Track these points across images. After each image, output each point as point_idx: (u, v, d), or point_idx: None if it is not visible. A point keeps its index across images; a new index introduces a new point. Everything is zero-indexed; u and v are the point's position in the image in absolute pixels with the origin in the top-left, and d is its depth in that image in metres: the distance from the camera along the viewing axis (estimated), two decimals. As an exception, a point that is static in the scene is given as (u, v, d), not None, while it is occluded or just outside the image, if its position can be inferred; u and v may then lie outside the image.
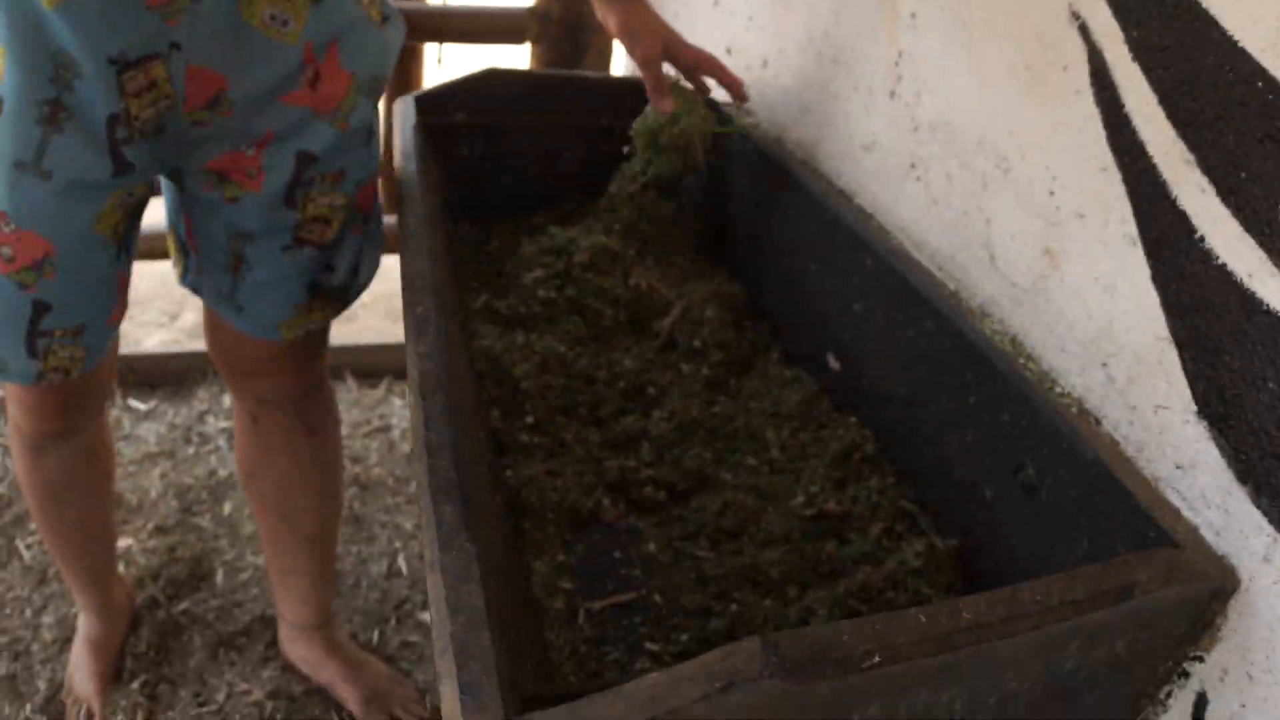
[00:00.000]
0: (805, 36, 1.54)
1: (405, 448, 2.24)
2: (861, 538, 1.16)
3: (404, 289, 1.10)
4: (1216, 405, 0.84)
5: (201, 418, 2.24)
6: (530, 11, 2.24)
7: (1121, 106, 0.91)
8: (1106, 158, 0.93)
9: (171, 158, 1.17)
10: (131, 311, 2.73)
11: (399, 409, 2.36)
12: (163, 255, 2.13)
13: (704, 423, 1.39)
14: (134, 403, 2.26)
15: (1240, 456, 0.81)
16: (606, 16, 1.47)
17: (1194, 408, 0.86)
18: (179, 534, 1.92)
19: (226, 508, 2.00)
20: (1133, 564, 0.72)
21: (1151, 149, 0.88)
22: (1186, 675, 0.87)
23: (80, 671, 1.67)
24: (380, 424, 2.30)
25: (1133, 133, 0.89)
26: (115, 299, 1.25)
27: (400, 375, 2.50)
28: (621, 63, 2.38)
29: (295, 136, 1.18)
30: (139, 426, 2.19)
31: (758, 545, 1.20)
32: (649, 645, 1.10)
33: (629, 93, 1.70)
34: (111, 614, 1.70)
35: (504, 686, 0.62)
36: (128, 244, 1.24)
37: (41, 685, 1.67)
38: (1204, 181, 0.82)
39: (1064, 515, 0.96)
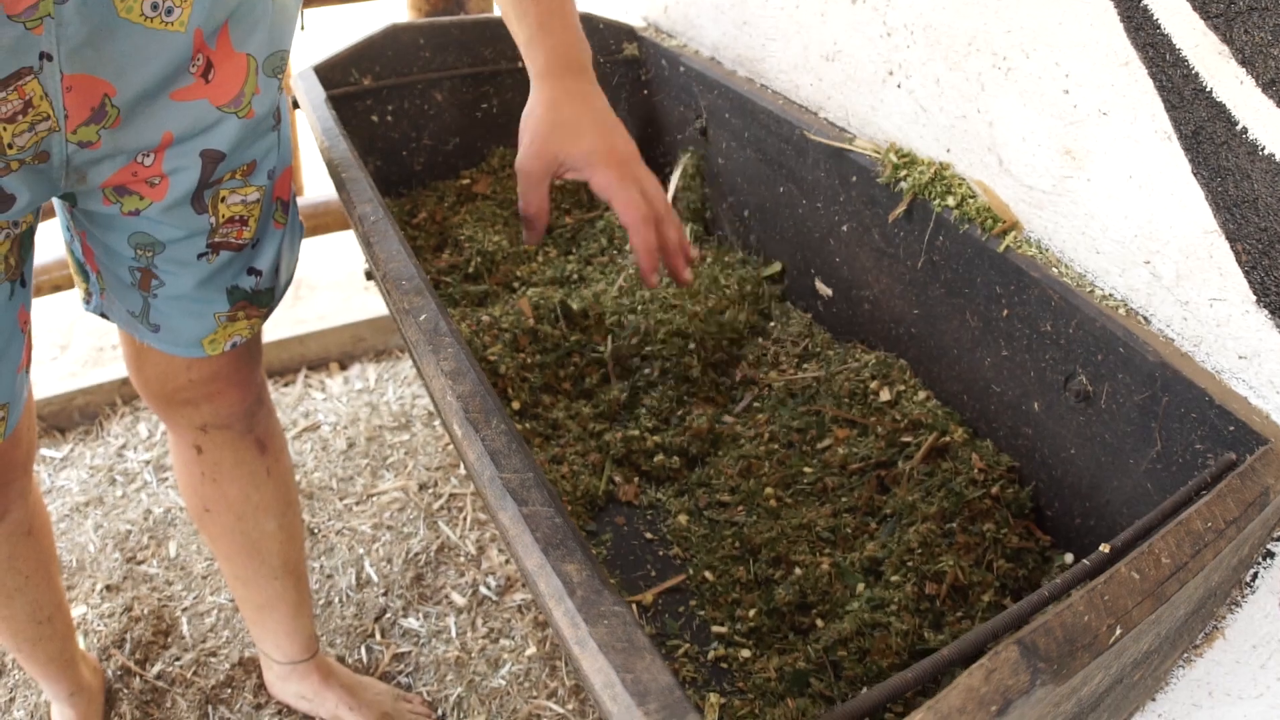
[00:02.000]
0: (732, -58, 1.56)
1: (340, 445, 2.24)
2: (913, 469, 1.22)
3: (389, 291, 1.10)
4: (1277, 293, 0.91)
5: (120, 453, 2.21)
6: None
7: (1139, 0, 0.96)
8: (1128, 52, 0.99)
9: (59, 183, 1.12)
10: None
11: (321, 403, 2.36)
12: (46, 284, 2.09)
13: (698, 375, 1.44)
14: (48, 451, 2.22)
15: (1312, 340, 0.89)
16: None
17: (1252, 298, 0.93)
18: (130, 589, 1.91)
19: (172, 548, 1.99)
20: (1259, 469, 0.80)
21: (1178, 41, 0.93)
22: (1271, 555, 0.96)
23: None
24: (308, 423, 2.30)
25: (1155, 27, 0.95)
26: (20, 340, 1.19)
27: (315, 366, 2.49)
28: None
29: (197, 135, 1.14)
30: (58, 476, 2.16)
31: (797, 500, 1.26)
32: (715, 629, 1.15)
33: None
34: (85, 698, 1.67)
35: None
36: (24, 276, 1.18)
37: (28, 789, 1.66)
38: (1241, 74, 0.88)
39: (1127, 420, 1.04)
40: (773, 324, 1.50)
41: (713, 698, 1.06)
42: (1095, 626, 0.66)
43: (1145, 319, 1.05)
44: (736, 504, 1.28)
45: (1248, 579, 0.98)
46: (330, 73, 1.68)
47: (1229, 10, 0.88)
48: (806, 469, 1.29)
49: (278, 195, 1.27)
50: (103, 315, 1.34)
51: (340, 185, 1.32)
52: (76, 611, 1.85)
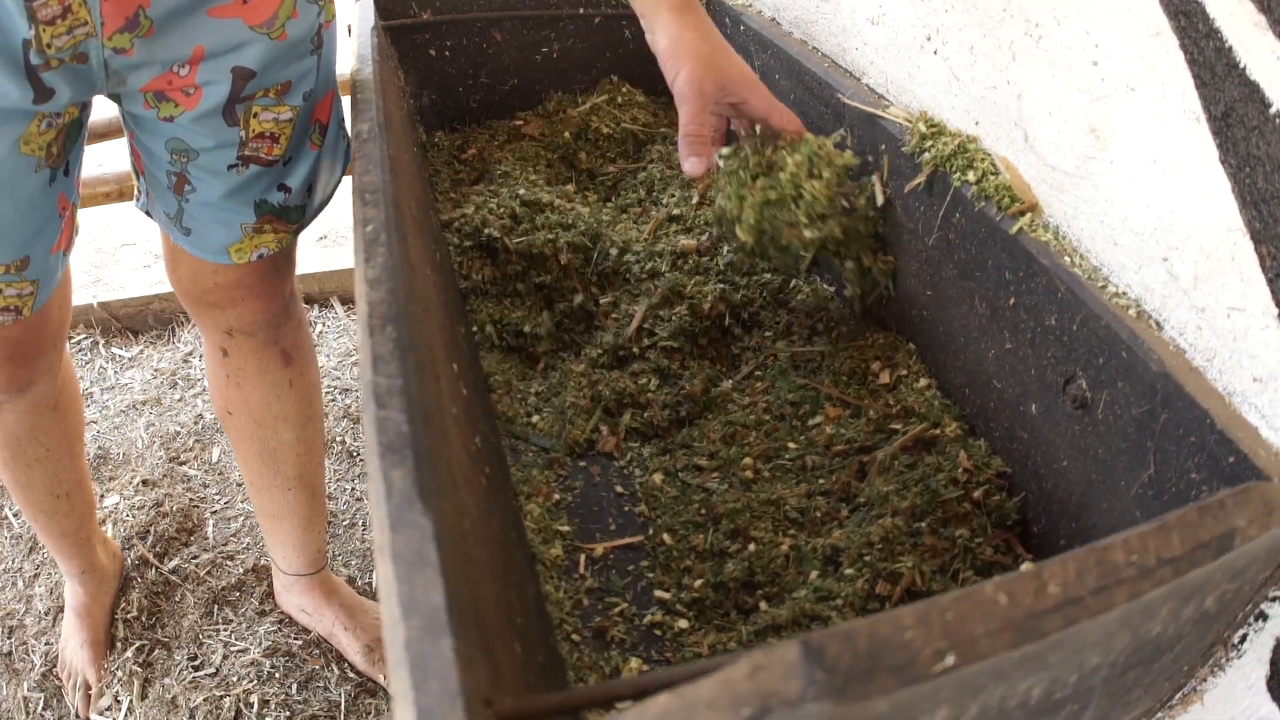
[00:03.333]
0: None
1: None
2: (891, 459, 1.06)
3: (354, 204, 0.99)
4: (1303, 306, 0.73)
5: (186, 360, 2.15)
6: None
7: (1176, -42, 0.78)
8: (1159, 21, 0.80)
9: (100, 85, 1.11)
10: (116, 255, 2.63)
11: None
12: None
13: (704, 333, 1.29)
14: (117, 350, 2.17)
15: (1334, 366, 0.71)
16: (654, 31, 1.19)
17: (1275, 310, 0.75)
18: (166, 486, 1.84)
19: (215, 453, 1.92)
20: (1229, 506, 0.62)
21: (1212, 10, 0.75)
22: (1265, 618, 0.78)
23: (71, 643, 1.61)
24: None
25: (1191, -11, 0.76)
26: (57, 225, 1.19)
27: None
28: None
29: (229, 52, 1.11)
30: (123, 375, 2.10)
31: (775, 474, 1.11)
32: (659, 593, 1.02)
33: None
34: (96, 578, 1.63)
35: (473, 704, 0.48)
36: (68, 166, 1.18)
37: (37, 660, 1.61)
38: (1279, 47, 0.70)
39: (1123, 435, 0.86)
40: (796, 294, 1.34)
41: (634, 663, 0.93)
42: (917, 648, 0.47)
43: (1157, 324, 0.87)
44: (713, 470, 1.13)
45: (1235, 639, 0.80)
46: (390, 3, 1.56)
47: None
48: (791, 444, 1.13)
49: (316, 118, 1.23)
50: (147, 214, 1.32)
51: (354, 105, 1.20)
52: (109, 500, 1.79)
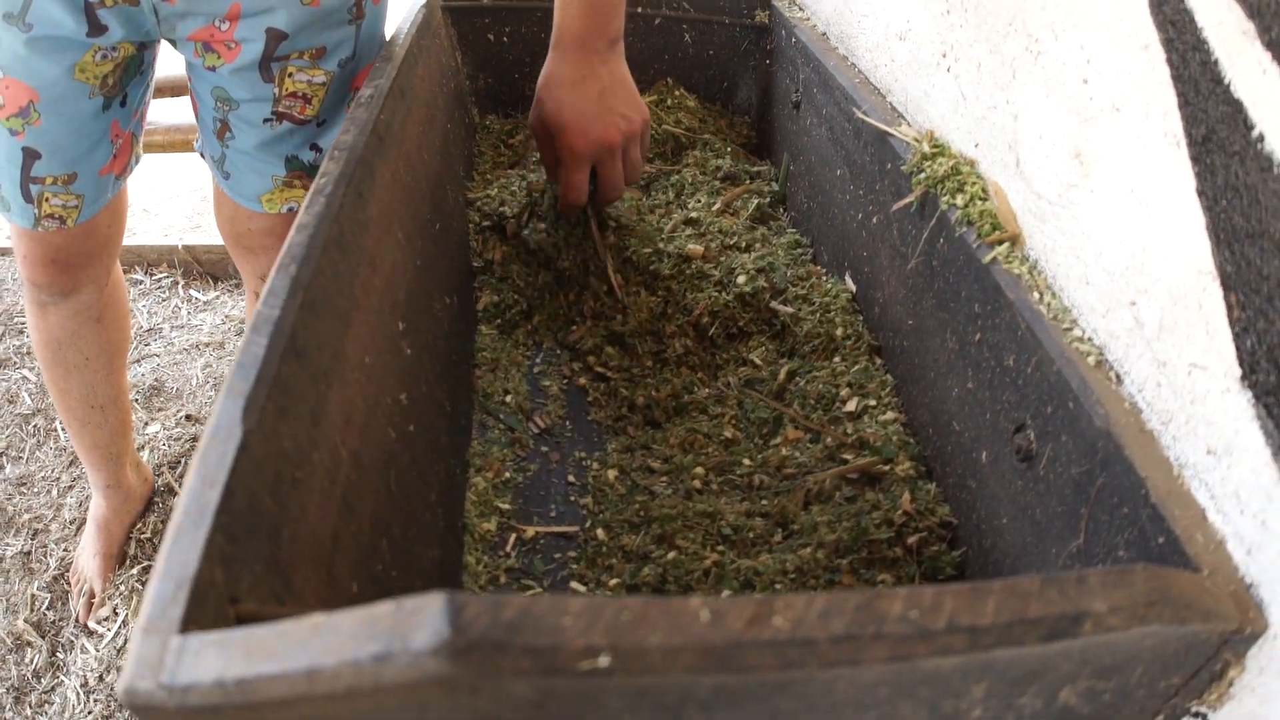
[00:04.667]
0: (855, -91, 1.24)
1: None
2: (832, 489, 0.91)
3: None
4: (1267, 371, 0.56)
5: (255, 311, 2.10)
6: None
7: (1173, -44, 0.62)
8: (1149, 32, 0.64)
9: (152, 29, 1.12)
10: (212, 206, 2.62)
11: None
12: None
13: (693, 345, 1.15)
14: (194, 293, 2.13)
15: (1292, 445, 0.54)
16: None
17: (1237, 371, 0.58)
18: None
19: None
20: (1090, 585, 0.46)
21: (1201, 17, 0.59)
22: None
23: (86, 552, 1.58)
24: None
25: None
26: (108, 149, 1.20)
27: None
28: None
29: (262, 13, 1.10)
30: (195, 316, 2.06)
31: (721, 488, 0.97)
32: (575, 584, 0.90)
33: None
34: (121, 495, 1.59)
35: (208, 597, 0.44)
36: (125, 98, 1.19)
37: (52, 563, 1.57)
38: (1265, 59, 0.53)
39: (1060, 496, 0.70)
40: (788, 309, 1.19)
41: None
42: (568, 637, 0.37)
43: (1117, 376, 0.70)
44: (663, 474, 1.00)
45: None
46: (451, -16, 1.47)
47: None
48: (746, 460, 0.99)
49: (355, 85, 1.21)
50: (201, 155, 1.32)
51: (371, 72, 1.11)
52: (151, 428, 1.74)
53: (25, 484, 1.68)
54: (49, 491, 1.66)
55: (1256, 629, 0.52)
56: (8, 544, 1.59)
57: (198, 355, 1.93)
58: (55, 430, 1.77)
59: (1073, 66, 0.74)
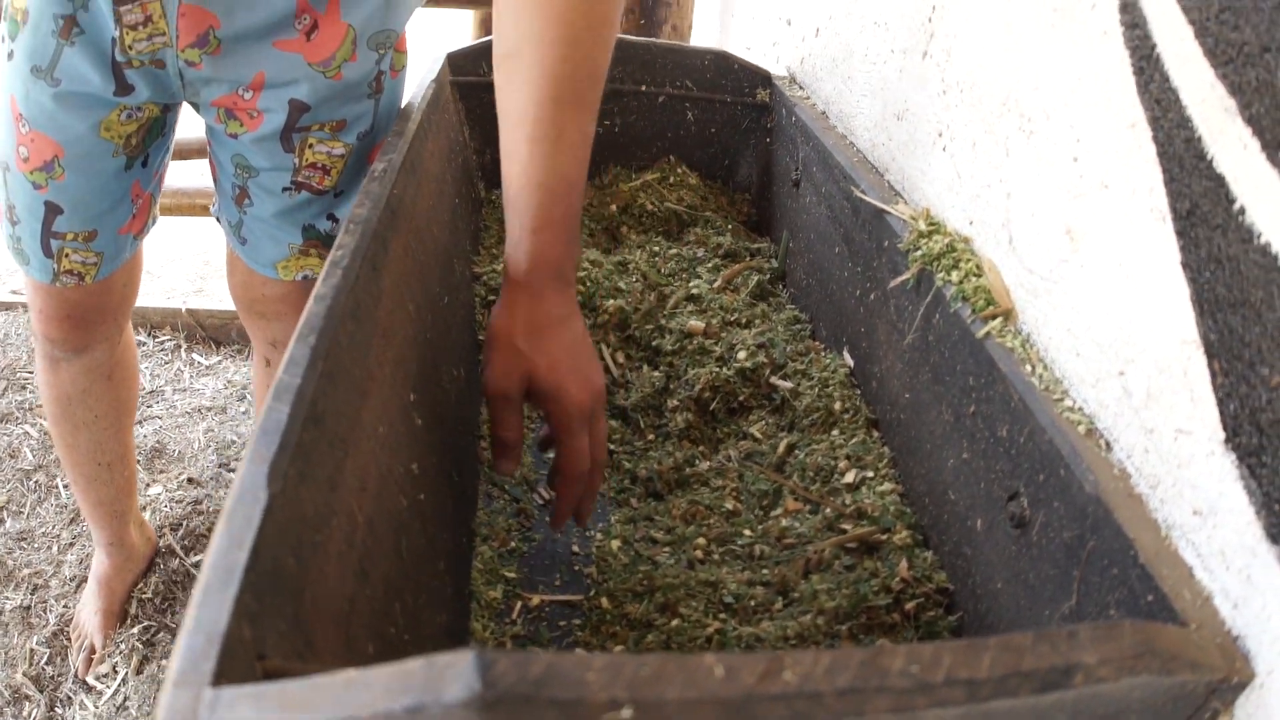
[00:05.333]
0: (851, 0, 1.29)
1: None
2: (832, 558, 0.92)
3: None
4: (1250, 434, 0.58)
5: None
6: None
7: (1153, 45, 0.65)
8: (1135, 111, 0.68)
9: (177, 91, 1.14)
10: (221, 269, 2.65)
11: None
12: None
13: (694, 412, 1.17)
14: (197, 357, 2.15)
15: (1275, 506, 0.56)
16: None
17: (1221, 435, 0.60)
18: (210, 488, 1.80)
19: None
20: (1080, 639, 0.48)
21: (1185, 95, 0.62)
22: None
23: (87, 608, 1.59)
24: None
25: (1164, 77, 0.64)
26: (128, 208, 1.22)
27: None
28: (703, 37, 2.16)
29: (286, 84, 1.12)
30: (197, 380, 2.08)
31: (723, 558, 0.98)
32: (580, 652, 0.90)
33: (703, 65, 1.52)
34: (124, 554, 1.60)
35: (237, 652, 0.46)
36: (146, 158, 1.21)
37: (52, 619, 1.58)
38: (1246, 134, 0.57)
39: (1053, 560, 0.71)
40: (787, 384, 1.21)
41: None
42: (592, 691, 0.40)
43: (1107, 444, 0.72)
44: (666, 544, 1.02)
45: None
46: (463, 61, 1.51)
47: (1240, 54, 0.56)
48: (747, 531, 1.00)
49: (370, 158, 1.22)
50: (217, 219, 1.33)
51: (383, 146, 1.14)
52: (154, 490, 1.76)
53: (26, 539, 1.69)
54: (50, 548, 1.67)
55: (1244, 678, 0.53)
56: (7, 598, 1.60)
57: (199, 419, 1.95)
58: (57, 486, 1.79)
59: (1063, 145, 0.77)
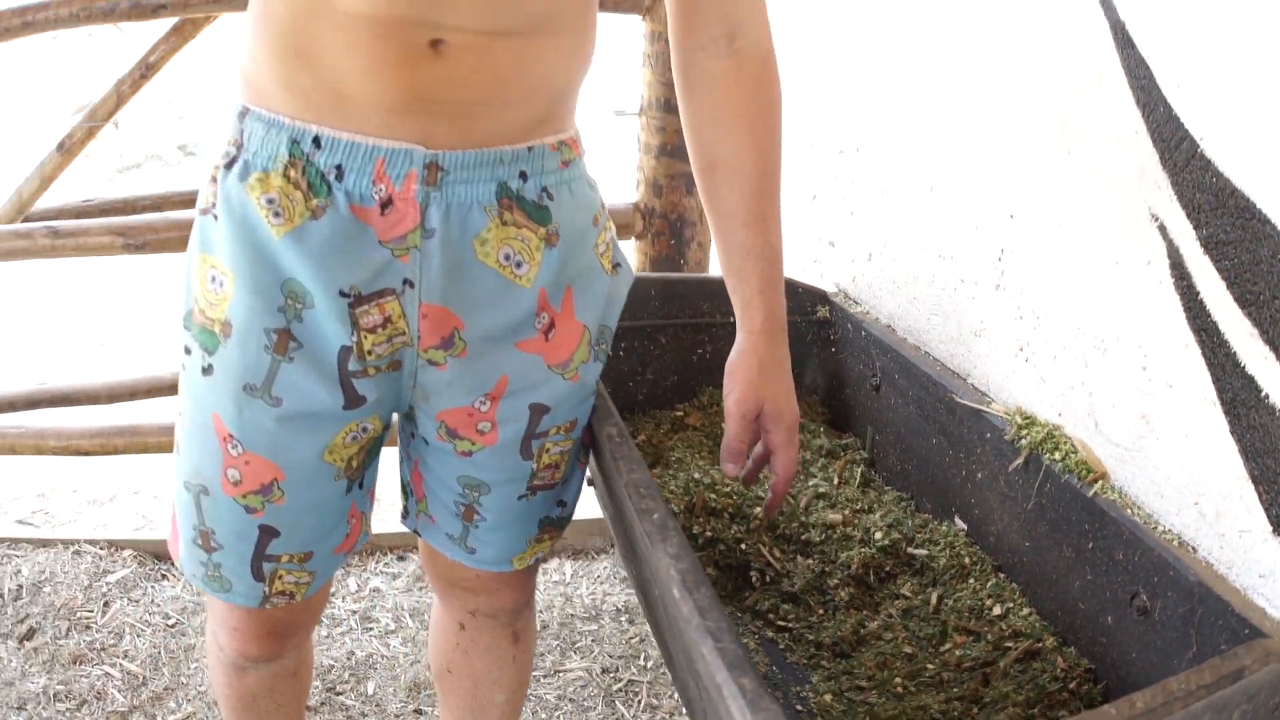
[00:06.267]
0: (908, 231, 1.94)
1: (535, 625, 2.51)
2: (1009, 667, 1.49)
3: (629, 497, 1.29)
4: (1289, 528, 1.19)
5: (329, 600, 2.56)
6: (635, 207, 2.68)
7: (1197, 293, 1.28)
8: (1188, 336, 1.30)
9: (406, 395, 1.25)
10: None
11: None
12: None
13: (855, 585, 1.73)
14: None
15: (1310, 566, 1.17)
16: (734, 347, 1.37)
17: (1269, 528, 1.21)
18: (328, 713, 2.23)
19: (370, 686, 2.29)
20: (1240, 654, 1.06)
21: (1223, 327, 1.24)
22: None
23: None
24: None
25: (1207, 315, 1.27)
26: (344, 529, 1.33)
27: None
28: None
29: (528, 389, 1.26)
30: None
31: (920, 688, 1.53)
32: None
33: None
34: None
35: None
36: (363, 479, 1.31)
37: None
38: (1266, 350, 1.19)
39: (1173, 629, 1.30)
40: (922, 551, 1.79)
41: None
42: None
43: (1193, 548, 1.32)
44: (872, 688, 1.52)
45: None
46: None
47: (1259, 300, 1.18)
48: (930, 665, 1.54)
49: (584, 442, 1.41)
50: (417, 533, 1.48)
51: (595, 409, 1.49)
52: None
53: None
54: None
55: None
56: None
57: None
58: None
59: (1134, 359, 1.40)
